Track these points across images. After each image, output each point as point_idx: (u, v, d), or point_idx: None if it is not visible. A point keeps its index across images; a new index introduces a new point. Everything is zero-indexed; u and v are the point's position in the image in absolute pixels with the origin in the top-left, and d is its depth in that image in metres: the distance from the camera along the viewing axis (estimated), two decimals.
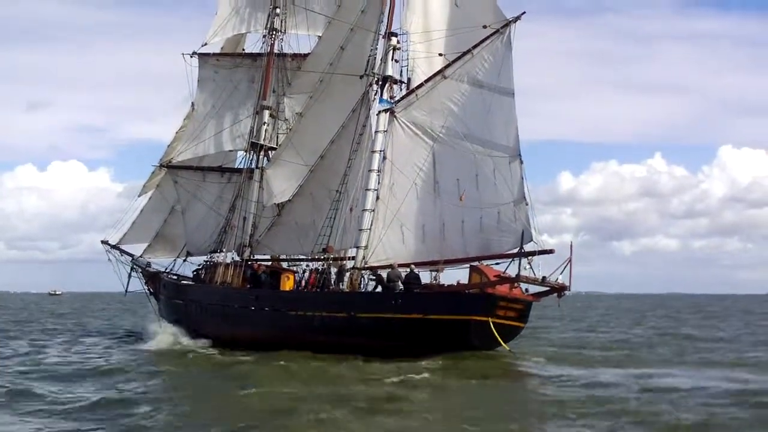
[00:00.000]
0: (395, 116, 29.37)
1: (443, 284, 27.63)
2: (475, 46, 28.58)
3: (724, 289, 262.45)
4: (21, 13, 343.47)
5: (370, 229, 28.93)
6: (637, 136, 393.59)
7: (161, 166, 37.52)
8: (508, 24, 28.60)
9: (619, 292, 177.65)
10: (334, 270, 29.91)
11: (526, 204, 27.69)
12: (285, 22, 35.40)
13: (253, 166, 34.60)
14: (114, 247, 38.28)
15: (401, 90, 30.06)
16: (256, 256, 33.70)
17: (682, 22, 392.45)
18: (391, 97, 30.01)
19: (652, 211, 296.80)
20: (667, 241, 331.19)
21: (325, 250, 29.92)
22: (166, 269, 36.99)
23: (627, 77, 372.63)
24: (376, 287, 28.79)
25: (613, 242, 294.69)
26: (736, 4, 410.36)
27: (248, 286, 32.03)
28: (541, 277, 25.83)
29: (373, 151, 29.52)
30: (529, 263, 25.83)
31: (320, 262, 30.69)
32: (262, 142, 34.61)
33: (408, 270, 27.54)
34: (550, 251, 26.44)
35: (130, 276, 37.87)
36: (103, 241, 38.51)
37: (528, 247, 26.56)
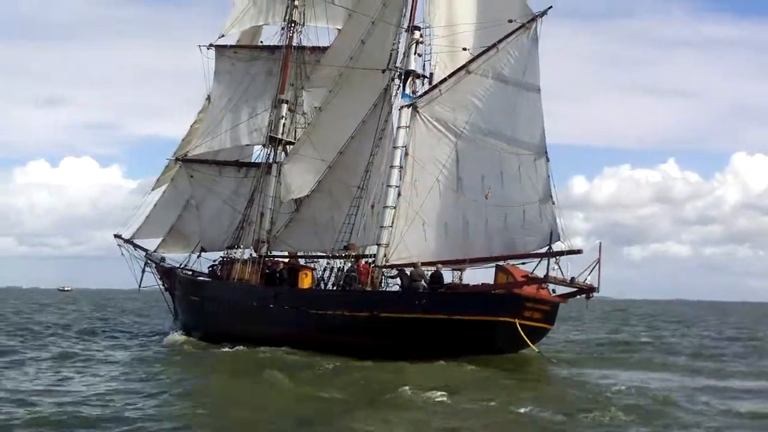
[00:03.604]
0: (418, 111, 28.82)
1: (468, 284, 27.14)
2: (500, 41, 27.97)
3: (734, 296, 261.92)
4: (33, 11, 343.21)
5: (391, 226, 28.40)
6: (651, 142, 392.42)
7: (176, 159, 36.99)
8: (534, 19, 27.98)
9: (628, 298, 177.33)
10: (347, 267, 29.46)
11: (553, 203, 27.15)
12: (304, 14, 34.86)
13: (271, 160, 34.06)
14: (127, 241, 37.77)
15: (424, 85, 29.48)
16: (273, 253, 33.17)
17: (697, 28, 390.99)
18: (414, 92, 29.45)
19: (665, 217, 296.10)
20: (678, 248, 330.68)
21: (347, 248, 29.37)
22: (181, 265, 36.48)
23: (641, 82, 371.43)
24: (395, 276, 28.33)
25: (624, 247, 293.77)
26: (751, 11, 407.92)
27: (264, 283, 31.59)
28: (569, 278, 25.34)
29: (395, 147, 28.96)
30: (557, 263, 25.33)
31: (340, 260, 30.21)
32: (279, 136, 34.06)
33: (434, 269, 27.04)
34: (578, 251, 25.91)
35: (143, 271, 37.39)
36: (116, 235, 37.99)
37: (555, 247, 26.03)
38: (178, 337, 33.00)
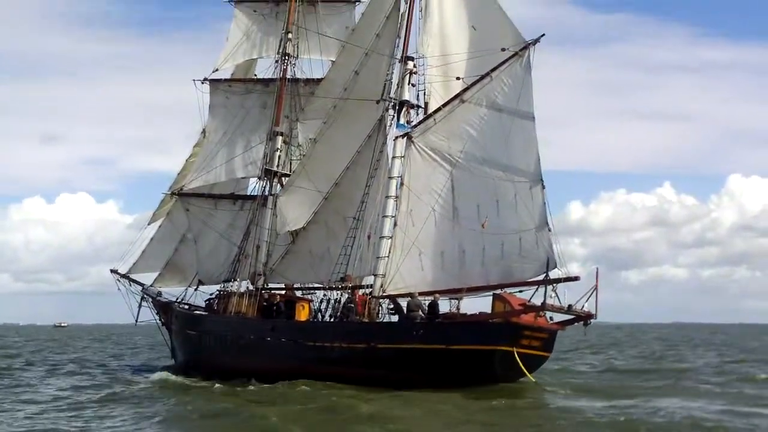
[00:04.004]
0: (412, 141, 28.82)
1: (465, 313, 27.01)
2: (493, 69, 28.07)
3: (732, 318, 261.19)
4: (31, 49, 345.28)
5: (387, 256, 28.29)
6: (646, 166, 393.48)
7: (172, 193, 36.94)
8: (527, 47, 28.12)
9: (627, 322, 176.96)
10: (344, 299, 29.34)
11: (549, 230, 27.10)
12: (297, 46, 34.94)
13: (266, 193, 34.02)
14: (124, 276, 37.63)
15: (418, 115, 29.53)
16: (270, 285, 33.02)
17: (691, 52, 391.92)
18: (408, 122, 29.48)
19: (662, 240, 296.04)
20: (675, 271, 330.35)
21: (343, 279, 29.24)
22: (177, 299, 36.30)
23: (635, 106, 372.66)
24: (393, 312, 28.21)
25: (621, 272, 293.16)
26: (745, 34, 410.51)
27: (261, 316, 31.44)
28: (566, 306, 25.21)
29: (390, 177, 28.97)
30: (554, 291, 25.22)
31: (337, 292, 30.07)
32: (275, 168, 34.06)
33: (431, 299, 26.93)
34: (575, 278, 25.85)
35: (140, 306, 37.17)
36: (112, 270, 37.86)
37: (552, 275, 25.96)
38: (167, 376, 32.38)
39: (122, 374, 34.77)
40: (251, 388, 27.18)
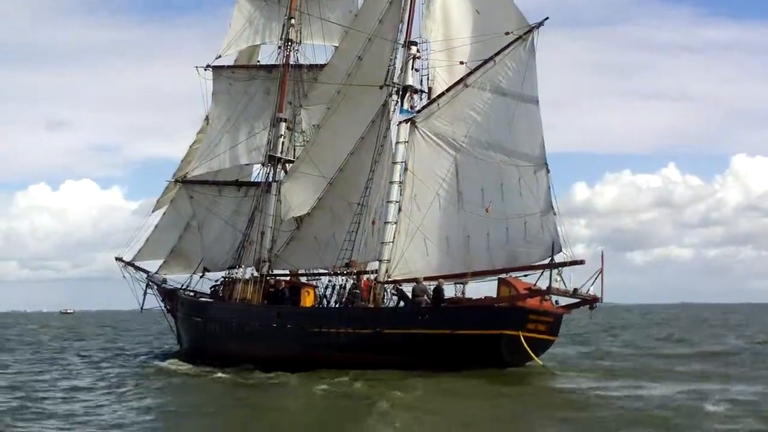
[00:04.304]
0: (416, 126, 28.79)
1: (470, 298, 27.03)
2: (497, 54, 27.98)
3: (738, 298, 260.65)
4: (39, 38, 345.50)
5: (392, 242, 28.31)
6: (651, 147, 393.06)
7: (176, 181, 36.93)
8: (530, 30, 28.00)
9: (633, 303, 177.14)
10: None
11: (554, 214, 27.06)
12: (300, 32, 34.74)
13: (271, 179, 34.00)
14: (128, 263, 37.69)
15: (422, 100, 29.50)
16: (275, 271, 33.04)
17: (694, 32, 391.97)
18: (412, 107, 29.43)
19: (667, 221, 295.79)
20: (680, 251, 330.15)
21: (348, 265, 29.24)
22: (182, 286, 36.34)
23: (639, 87, 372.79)
24: (398, 302, 28.24)
25: (626, 253, 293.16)
26: (749, 13, 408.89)
27: (266, 302, 31.47)
28: (572, 289, 25.23)
29: (395, 163, 28.93)
30: (559, 275, 25.22)
31: (342, 277, 30.09)
32: (279, 155, 34.02)
33: (435, 284, 26.95)
34: (581, 262, 25.84)
35: (145, 293, 37.28)
36: (117, 258, 37.90)
37: (557, 258, 25.93)
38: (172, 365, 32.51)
39: (131, 361, 34.92)
40: (258, 374, 27.13)
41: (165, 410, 20.62)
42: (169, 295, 36.69)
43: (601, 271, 24.95)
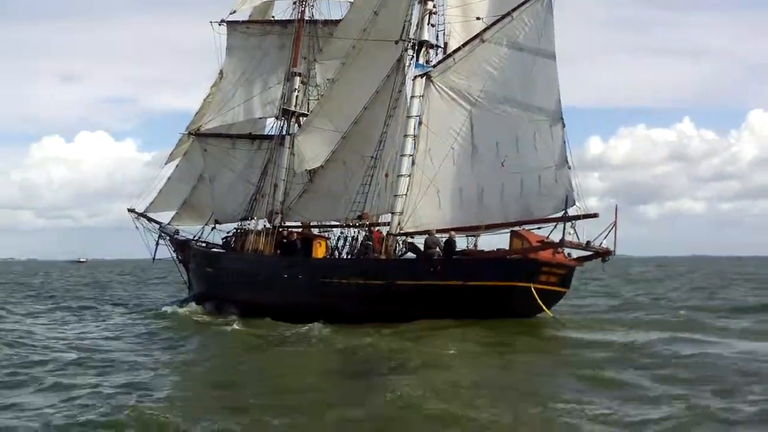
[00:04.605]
0: (432, 81, 28.87)
1: (482, 250, 27.29)
2: (514, 9, 28.00)
3: (748, 251, 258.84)
4: None
5: (405, 194, 28.52)
6: (666, 101, 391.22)
7: (189, 134, 37.10)
8: None
9: (644, 255, 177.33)
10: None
11: (569, 168, 27.25)
12: None
13: (284, 132, 34.20)
14: (141, 215, 37.96)
15: (437, 55, 29.60)
16: (287, 223, 33.31)
17: None
18: (427, 62, 29.55)
19: (681, 175, 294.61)
20: (693, 204, 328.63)
21: (360, 217, 29.49)
22: (194, 237, 36.64)
23: (655, 43, 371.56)
24: (404, 254, 28.51)
25: (639, 206, 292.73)
26: None
27: (278, 252, 31.76)
28: (585, 242, 25.46)
29: (409, 116, 29.09)
30: (572, 227, 25.46)
31: (354, 229, 30.36)
32: (293, 108, 34.19)
33: (447, 236, 27.20)
34: (594, 215, 26.03)
35: (157, 244, 37.63)
36: (129, 209, 38.17)
37: (571, 212, 26.15)
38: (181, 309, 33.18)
39: (141, 309, 35.42)
40: (275, 326, 27.17)
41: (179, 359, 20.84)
42: (181, 246, 37.01)
43: (615, 224, 25.22)
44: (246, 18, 36.88)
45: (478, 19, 28.86)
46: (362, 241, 29.23)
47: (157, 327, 28.28)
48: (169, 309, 33.57)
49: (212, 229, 36.15)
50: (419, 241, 28.16)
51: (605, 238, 25.25)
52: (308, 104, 34.06)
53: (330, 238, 32.00)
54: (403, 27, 30.07)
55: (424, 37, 29.66)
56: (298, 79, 34.51)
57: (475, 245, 27.51)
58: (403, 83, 30.16)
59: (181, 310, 32.83)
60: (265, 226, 33.04)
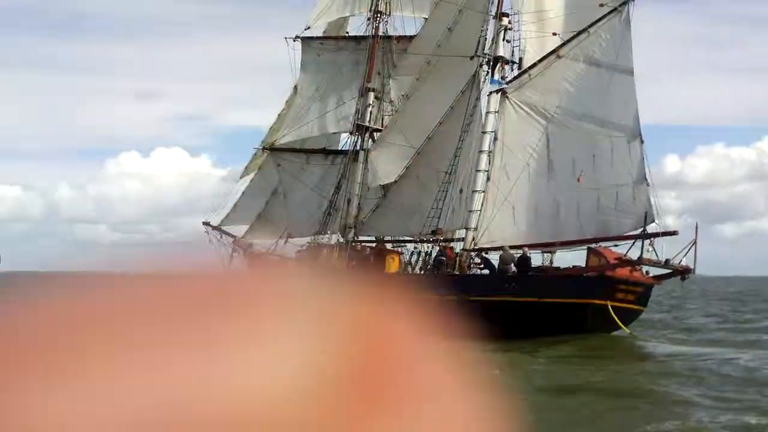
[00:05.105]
0: (507, 97, 28.94)
1: (558, 267, 27.16)
2: (591, 25, 28.00)
3: None
4: (125, 11, 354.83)
5: (480, 210, 28.56)
6: (745, 120, 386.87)
7: (264, 148, 37.58)
8: (626, 2, 27.96)
9: (721, 275, 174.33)
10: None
11: (647, 184, 27.00)
12: (389, 4, 35.11)
13: (358, 147, 34.48)
14: (215, 228, 38.43)
15: (512, 71, 29.71)
16: (360, 238, 33.54)
17: None
18: (503, 78, 29.61)
19: (760, 194, 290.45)
20: None
21: (434, 232, 29.56)
22: (268, 250, 36.99)
23: (734, 61, 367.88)
24: (482, 269, 28.50)
25: (716, 225, 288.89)
26: None
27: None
28: (664, 260, 25.18)
29: (484, 132, 29.17)
30: (651, 245, 25.20)
31: (427, 245, 30.43)
32: (367, 123, 34.46)
33: (521, 252, 27.14)
34: (674, 233, 25.81)
35: (231, 257, 38.01)
36: (204, 222, 38.62)
37: (650, 229, 25.90)
38: None
39: None
40: None
41: None
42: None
43: (695, 242, 24.89)
44: (320, 34, 37.30)
45: (554, 35, 28.82)
46: (436, 256, 29.28)
47: None
48: None
49: (285, 243, 36.47)
50: (494, 257, 28.17)
51: (684, 256, 24.92)
52: (382, 120, 34.25)
53: (403, 253, 32.08)
54: (478, 42, 30.18)
55: (500, 53, 29.73)
56: (372, 95, 34.76)
57: (551, 262, 27.39)
58: (477, 99, 30.27)
59: None
60: (338, 240, 33.28)
